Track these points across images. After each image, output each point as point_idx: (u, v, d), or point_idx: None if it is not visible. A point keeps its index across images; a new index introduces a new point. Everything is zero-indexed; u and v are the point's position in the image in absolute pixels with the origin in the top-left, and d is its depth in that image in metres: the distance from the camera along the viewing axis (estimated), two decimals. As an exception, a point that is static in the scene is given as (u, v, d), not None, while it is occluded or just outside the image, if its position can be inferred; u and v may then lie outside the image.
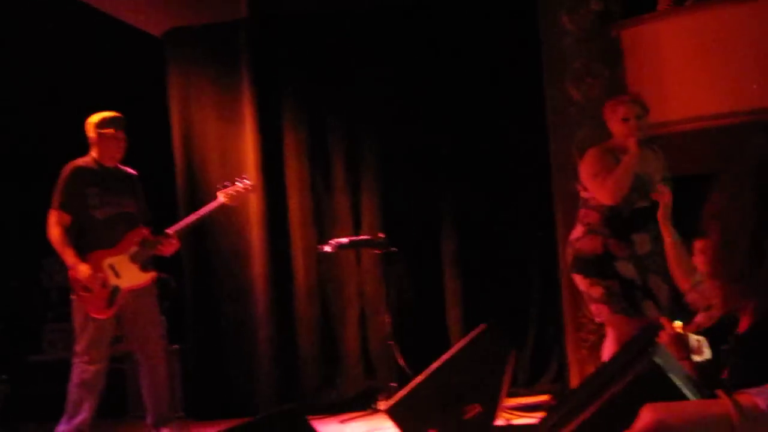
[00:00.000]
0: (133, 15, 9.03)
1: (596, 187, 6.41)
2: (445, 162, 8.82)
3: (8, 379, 9.80)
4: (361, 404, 8.40)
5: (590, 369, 8.28)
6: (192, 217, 7.29)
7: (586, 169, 6.50)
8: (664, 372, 3.20)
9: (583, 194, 6.61)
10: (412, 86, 8.81)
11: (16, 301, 10.42)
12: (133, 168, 7.32)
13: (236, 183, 7.40)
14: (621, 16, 8.42)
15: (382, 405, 7.90)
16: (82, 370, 6.82)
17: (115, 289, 6.85)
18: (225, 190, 7.37)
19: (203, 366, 8.95)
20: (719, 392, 2.01)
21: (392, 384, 8.02)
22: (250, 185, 7.46)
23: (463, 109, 8.73)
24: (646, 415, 2.03)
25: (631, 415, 3.25)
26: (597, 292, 6.39)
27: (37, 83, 9.33)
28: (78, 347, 6.87)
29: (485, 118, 8.69)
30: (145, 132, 9.06)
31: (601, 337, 7.73)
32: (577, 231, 6.58)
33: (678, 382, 3.18)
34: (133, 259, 6.97)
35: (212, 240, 9.00)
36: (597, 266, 6.39)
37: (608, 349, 6.55)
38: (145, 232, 7.09)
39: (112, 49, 9.41)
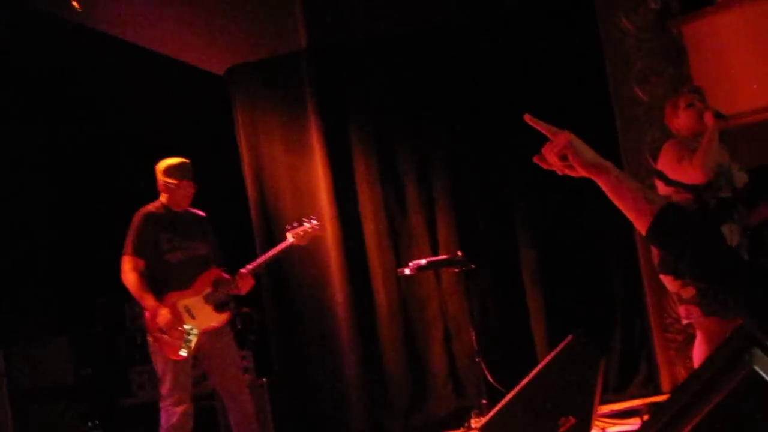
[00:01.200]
0: (195, 55, 9.12)
1: (684, 170, 6.30)
2: (516, 173, 8.77)
3: (100, 424, 9.94)
4: (453, 424, 8.42)
5: (679, 370, 8.24)
6: (264, 257, 7.29)
7: (668, 158, 6.41)
8: (765, 381, 3.15)
9: (664, 190, 6.53)
10: (477, 102, 8.79)
11: (102, 346, 10.56)
12: (208, 207, 7.36)
13: (304, 223, 7.40)
14: (680, 13, 8.37)
15: (475, 423, 7.90)
16: (169, 413, 6.84)
17: (192, 330, 6.88)
18: (294, 230, 7.38)
19: (293, 397, 9.00)
20: None
21: (483, 401, 8.01)
22: (318, 225, 7.44)
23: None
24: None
25: (732, 429, 3.22)
26: (688, 293, 6.30)
27: (107, 130, 9.46)
28: (163, 390, 6.90)
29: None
30: (218, 170, 9.23)
31: (688, 337, 7.69)
32: None
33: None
34: (207, 300, 7.00)
35: (292, 271, 9.05)
36: None
37: (699, 352, 6.47)
38: (217, 272, 7.12)
39: (178, 90, 9.53)
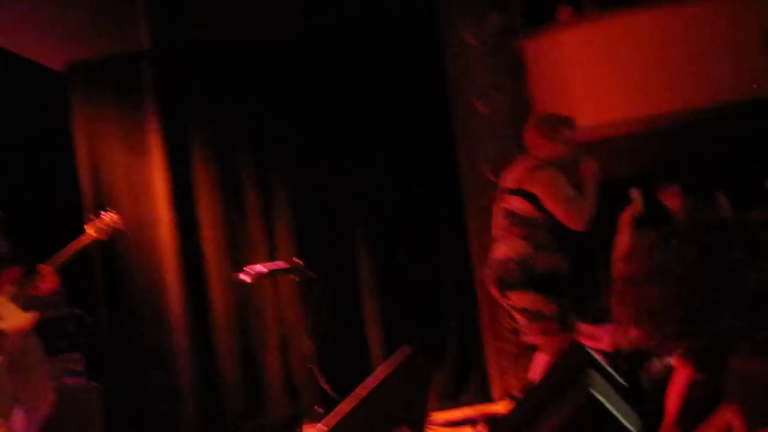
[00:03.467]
0: (33, 49, 8.89)
1: (569, 214, 6.51)
2: (356, 183, 8.81)
3: None
4: (287, 430, 8.39)
5: (512, 380, 8.40)
6: (64, 253, 6.96)
7: (550, 192, 6.56)
8: (601, 403, 3.24)
9: (527, 212, 6.66)
10: (319, 110, 8.79)
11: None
12: (42, 205, 7.16)
13: (102, 216, 7.26)
14: (522, 29, 8.51)
15: (308, 430, 7.90)
16: None
17: (1, 333, 6.56)
18: (92, 223, 7.22)
19: (125, 402, 8.85)
20: None
21: (317, 408, 8.00)
22: (117, 217, 7.30)
23: (371, 129, 8.73)
24: None
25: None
26: (551, 309, 6.46)
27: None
28: None
29: (394, 136, 8.71)
30: (54, 169, 9.03)
31: (522, 347, 7.83)
32: (523, 248, 6.61)
33: (615, 412, 3.23)
34: (14, 299, 6.69)
35: (126, 274, 8.90)
36: (553, 283, 6.48)
37: (542, 362, 6.63)
38: (18, 271, 6.79)
39: (11, 84, 9.29)
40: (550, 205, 6.53)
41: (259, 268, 8.25)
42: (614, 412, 3.23)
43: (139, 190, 8.93)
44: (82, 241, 7.09)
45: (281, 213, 8.86)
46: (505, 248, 6.70)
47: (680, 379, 3.14)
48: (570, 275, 6.67)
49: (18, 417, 6.82)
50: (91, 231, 7.13)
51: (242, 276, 8.25)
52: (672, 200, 7.37)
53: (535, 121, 6.90)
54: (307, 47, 8.82)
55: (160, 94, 8.86)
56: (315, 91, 8.80)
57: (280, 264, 8.45)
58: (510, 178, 6.85)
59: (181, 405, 8.79)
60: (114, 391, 8.83)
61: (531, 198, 6.61)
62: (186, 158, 8.90)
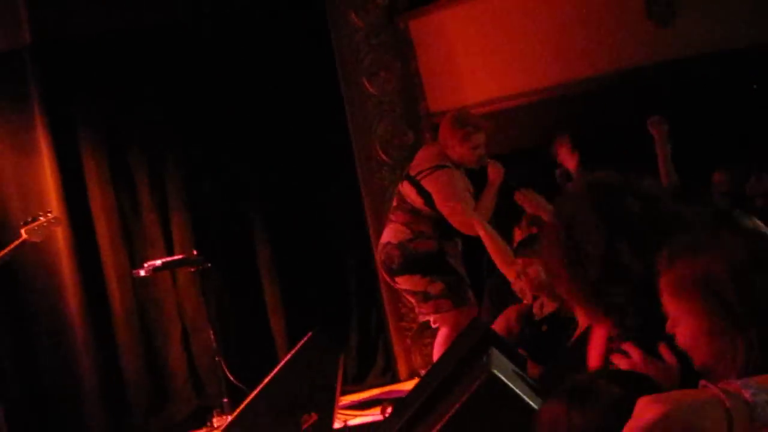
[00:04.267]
0: None
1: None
2: (250, 170, 8.77)
3: None
4: (194, 424, 8.35)
5: (416, 357, 8.47)
6: None
7: (440, 190, 6.65)
8: (504, 382, 3.27)
9: (415, 204, 6.73)
10: (209, 99, 8.71)
11: None
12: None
13: (39, 217, 7.08)
14: (407, 8, 8.55)
15: (218, 422, 7.87)
16: None
17: None
18: (28, 226, 7.03)
19: (28, 406, 8.70)
20: (703, 382, 2.01)
21: (224, 400, 7.98)
22: (53, 217, 7.14)
23: (264, 115, 8.68)
24: (650, 409, 1.96)
25: (472, 429, 3.33)
26: (437, 288, 6.57)
27: None
28: None
29: (286, 121, 8.68)
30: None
31: (423, 326, 7.92)
32: (402, 234, 6.70)
33: (518, 391, 3.26)
34: None
35: (23, 278, 8.71)
36: (435, 263, 6.56)
37: (443, 338, 6.71)
38: None
39: None
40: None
41: (156, 261, 8.20)
42: (517, 390, 3.26)
43: (29, 189, 8.74)
44: (16, 244, 6.90)
45: (175, 204, 8.75)
46: (387, 233, 6.86)
47: (598, 336, 3.17)
48: (458, 253, 6.75)
49: None
50: (25, 234, 6.92)
51: (139, 271, 8.19)
52: (567, 159, 7.39)
53: (450, 121, 6.91)
54: (193, 35, 8.73)
55: (45, 90, 8.65)
56: (203, 79, 8.71)
57: (176, 257, 8.41)
58: (414, 164, 6.93)
59: (84, 404, 8.65)
60: (15, 399, 8.68)
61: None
62: (76, 154, 8.72)
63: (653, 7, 7.60)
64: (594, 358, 3.16)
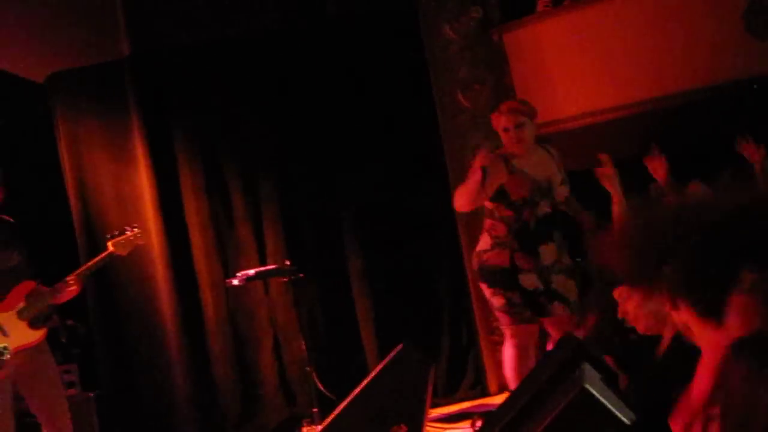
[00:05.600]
0: (12, 62, 8.86)
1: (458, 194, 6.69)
2: (343, 182, 8.80)
3: None
4: (284, 433, 8.40)
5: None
6: (82, 269, 6.84)
7: None
8: (596, 397, 3.25)
9: (488, 204, 6.73)
10: (303, 110, 8.76)
11: None
12: (30, 220, 7.06)
13: (126, 231, 7.09)
14: (501, 21, 8.53)
15: (307, 432, 7.93)
16: None
17: (4, 349, 6.34)
18: (115, 239, 7.05)
19: (120, 411, 8.83)
20: None
21: (314, 410, 8.02)
22: (139, 233, 7.13)
23: (358, 127, 8.70)
24: None
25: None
26: (498, 302, 6.58)
27: None
28: None
29: (381, 133, 8.69)
30: (38, 182, 9.00)
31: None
32: (485, 242, 6.72)
33: (609, 406, 3.24)
34: (21, 316, 6.50)
35: (117, 282, 8.87)
36: (501, 278, 6.55)
37: (508, 357, 6.72)
38: (31, 285, 6.63)
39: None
40: None
41: (249, 271, 8.27)
42: (608, 405, 3.24)
43: (126, 198, 8.92)
44: (102, 256, 6.92)
45: (269, 215, 8.83)
46: (480, 241, 6.83)
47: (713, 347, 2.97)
48: (540, 267, 6.66)
49: None
50: (112, 246, 6.95)
51: (232, 281, 8.27)
52: (658, 172, 7.33)
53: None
54: (289, 46, 8.79)
55: (142, 100, 8.83)
56: (299, 91, 8.77)
57: (269, 267, 8.47)
58: None
59: (177, 411, 8.78)
60: (109, 401, 8.84)
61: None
62: (172, 164, 8.87)
63: (752, 21, 7.51)
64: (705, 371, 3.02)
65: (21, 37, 8.69)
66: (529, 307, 6.53)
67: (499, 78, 8.54)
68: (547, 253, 6.54)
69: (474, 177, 6.49)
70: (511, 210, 6.61)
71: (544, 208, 6.57)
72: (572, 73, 8.28)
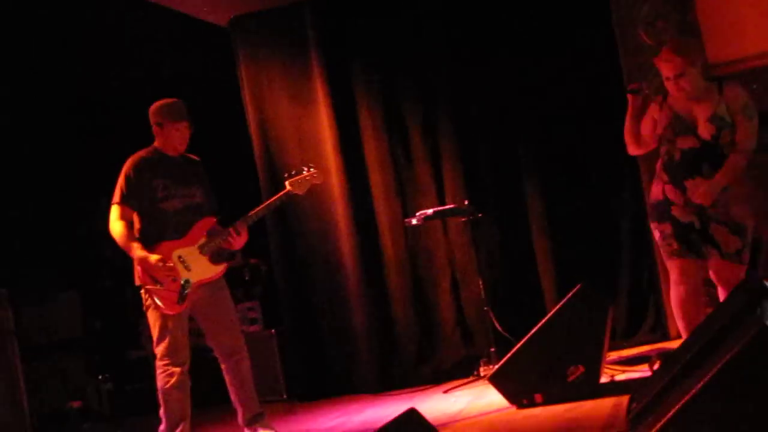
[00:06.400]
0: (197, 7, 9.03)
1: None
2: (522, 121, 8.71)
3: (111, 377, 10.01)
4: (461, 373, 8.42)
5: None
6: (260, 208, 6.91)
7: None
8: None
9: None
10: (484, 49, 8.70)
11: (111, 300, 10.60)
12: (213, 160, 7.20)
13: (302, 171, 7.13)
14: (688, -44, 8.31)
15: (484, 371, 7.92)
16: (167, 374, 6.56)
17: (186, 283, 6.51)
18: (292, 179, 7.10)
19: (301, 348, 9.03)
20: None
21: (491, 350, 8.03)
22: (316, 172, 7.17)
23: (539, 67, 8.57)
24: None
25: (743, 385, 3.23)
26: (656, 235, 6.52)
27: (108, 78, 9.46)
28: (158, 349, 6.60)
29: (561, 71, 8.55)
30: (222, 122, 9.20)
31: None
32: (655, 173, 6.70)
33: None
34: (203, 250, 6.66)
35: (298, 222, 9.05)
36: (656, 210, 6.49)
37: (671, 292, 6.55)
38: (212, 221, 6.80)
39: (180, 42, 9.51)
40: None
41: (427, 211, 8.30)
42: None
43: (306, 139, 9.04)
44: (279, 195, 6.99)
45: (448, 154, 8.83)
46: None
47: None
48: (677, 203, 6.50)
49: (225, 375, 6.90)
50: (289, 186, 7.00)
51: (411, 220, 8.31)
52: None
53: None
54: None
55: (322, 41, 8.94)
56: (481, 31, 8.71)
57: (447, 206, 8.48)
58: None
59: (356, 349, 8.91)
60: (289, 338, 9.02)
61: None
62: (351, 105, 8.96)
63: None
64: None
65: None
66: (679, 241, 6.39)
67: (683, 14, 8.31)
68: (694, 188, 6.34)
69: (627, 118, 6.64)
70: (659, 143, 6.54)
71: (686, 144, 6.39)
72: (763, 8, 8.02)
